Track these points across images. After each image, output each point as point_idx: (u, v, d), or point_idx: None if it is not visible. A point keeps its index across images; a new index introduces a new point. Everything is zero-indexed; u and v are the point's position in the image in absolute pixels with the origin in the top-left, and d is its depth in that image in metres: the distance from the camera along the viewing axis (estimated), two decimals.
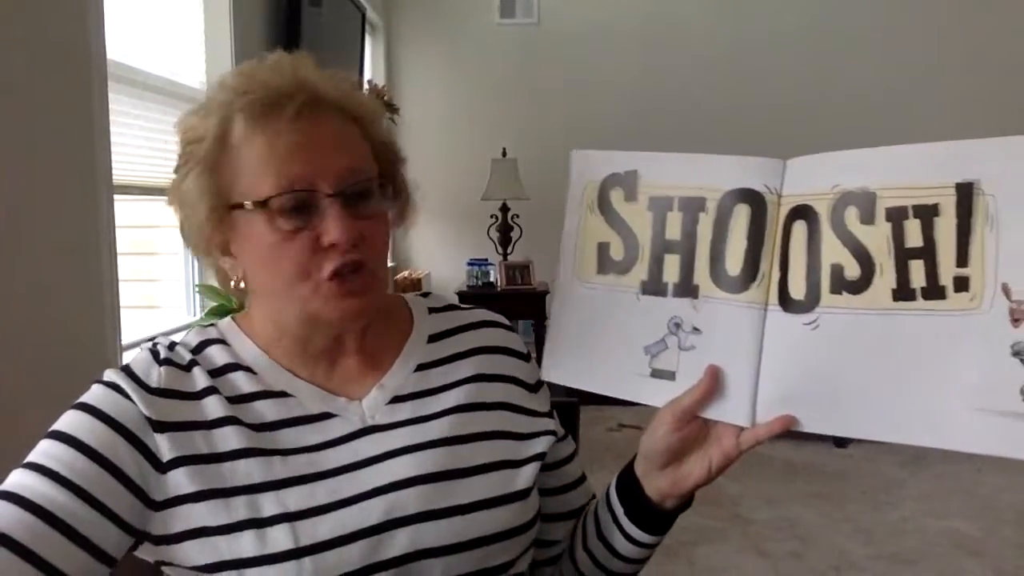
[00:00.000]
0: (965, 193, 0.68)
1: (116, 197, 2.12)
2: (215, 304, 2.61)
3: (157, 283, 2.91)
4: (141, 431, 0.73)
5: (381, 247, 0.79)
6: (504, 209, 5.01)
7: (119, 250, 2.13)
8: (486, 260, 4.97)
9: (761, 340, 0.76)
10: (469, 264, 4.96)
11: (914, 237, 0.70)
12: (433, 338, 0.88)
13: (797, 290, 0.75)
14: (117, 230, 2.12)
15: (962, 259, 0.68)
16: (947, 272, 0.69)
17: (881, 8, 5.29)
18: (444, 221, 5.20)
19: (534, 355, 0.94)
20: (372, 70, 5.13)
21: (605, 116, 5.43)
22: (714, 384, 0.76)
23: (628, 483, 0.85)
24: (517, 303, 4.75)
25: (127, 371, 0.77)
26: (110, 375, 0.77)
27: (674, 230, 0.82)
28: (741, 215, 0.78)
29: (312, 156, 0.73)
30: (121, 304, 2.15)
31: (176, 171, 0.79)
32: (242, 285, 0.80)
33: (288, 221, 0.73)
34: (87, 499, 0.69)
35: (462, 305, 0.94)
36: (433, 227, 5.37)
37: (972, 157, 0.68)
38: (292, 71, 0.76)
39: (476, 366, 0.86)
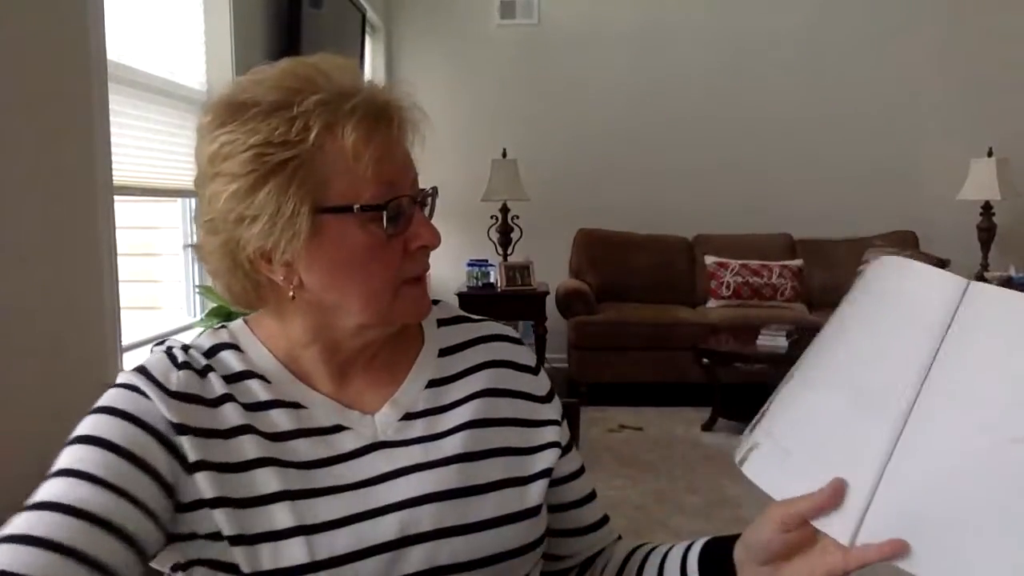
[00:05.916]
0: None
1: (116, 198, 2.12)
2: (215, 305, 2.61)
3: (158, 284, 2.91)
4: (167, 432, 0.72)
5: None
6: (504, 210, 5.01)
7: (120, 251, 2.13)
8: (486, 261, 4.97)
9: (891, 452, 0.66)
10: (469, 265, 4.95)
11: None
12: (444, 352, 0.88)
13: None
14: (118, 231, 2.12)
15: None
16: None
17: (882, 12, 5.29)
18: (444, 222, 5.06)
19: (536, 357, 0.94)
20: (372, 71, 5.13)
21: (605, 116, 5.43)
22: (835, 500, 0.67)
23: (718, 561, 0.80)
24: (517, 304, 4.74)
25: (144, 373, 0.76)
26: (127, 377, 0.75)
27: None
28: None
29: (401, 164, 0.77)
30: (122, 305, 2.15)
31: (237, 178, 0.72)
32: (290, 295, 0.76)
33: (391, 226, 0.75)
34: (126, 496, 0.68)
35: (471, 316, 0.94)
36: None
37: None
38: (361, 76, 0.77)
39: (485, 381, 0.86)
